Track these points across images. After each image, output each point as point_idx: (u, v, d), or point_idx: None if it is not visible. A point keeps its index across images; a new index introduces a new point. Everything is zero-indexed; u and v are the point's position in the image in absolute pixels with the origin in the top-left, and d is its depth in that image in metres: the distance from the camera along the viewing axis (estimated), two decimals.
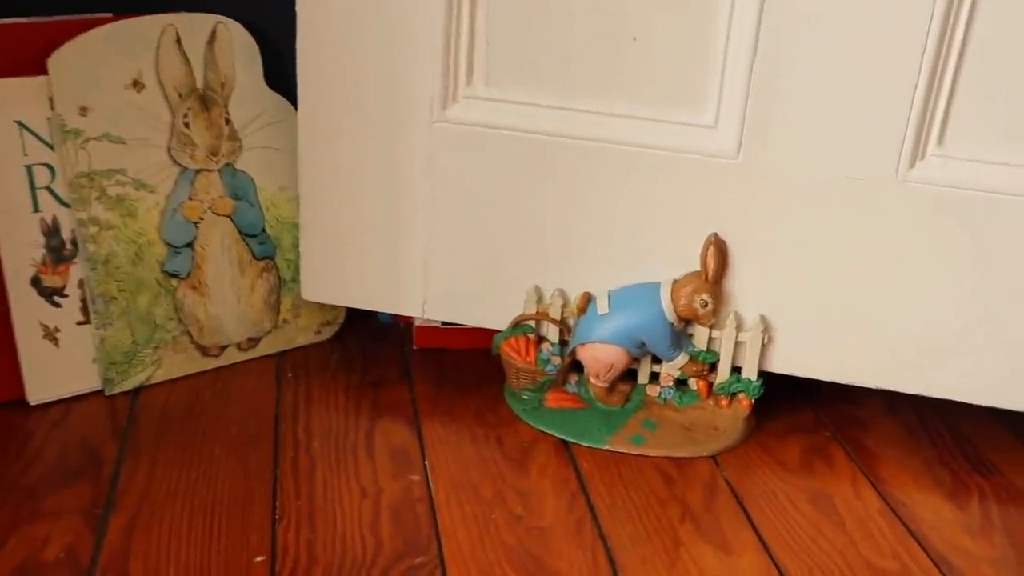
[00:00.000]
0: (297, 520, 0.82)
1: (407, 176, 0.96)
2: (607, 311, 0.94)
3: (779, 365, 0.96)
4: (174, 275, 1.00)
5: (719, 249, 0.93)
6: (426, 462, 0.91)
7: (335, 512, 0.84)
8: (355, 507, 0.84)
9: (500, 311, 0.99)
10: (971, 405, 0.94)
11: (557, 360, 0.99)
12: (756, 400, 0.97)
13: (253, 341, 1.06)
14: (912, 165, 0.89)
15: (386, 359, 1.07)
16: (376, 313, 1.14)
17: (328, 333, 1.12)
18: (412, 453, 0.92)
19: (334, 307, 1.09)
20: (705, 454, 0.95)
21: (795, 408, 1.04)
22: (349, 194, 0.97)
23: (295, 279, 1.05)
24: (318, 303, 1.06)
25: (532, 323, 0.98)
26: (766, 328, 0.95)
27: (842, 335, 0.94)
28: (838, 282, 0.93)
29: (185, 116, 0.96)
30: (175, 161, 0.97)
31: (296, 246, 1.03)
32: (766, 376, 0.96)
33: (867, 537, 0.86)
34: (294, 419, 0.96)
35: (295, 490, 0.86)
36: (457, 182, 0.96)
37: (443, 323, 1.08)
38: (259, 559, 0.79)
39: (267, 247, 1.04)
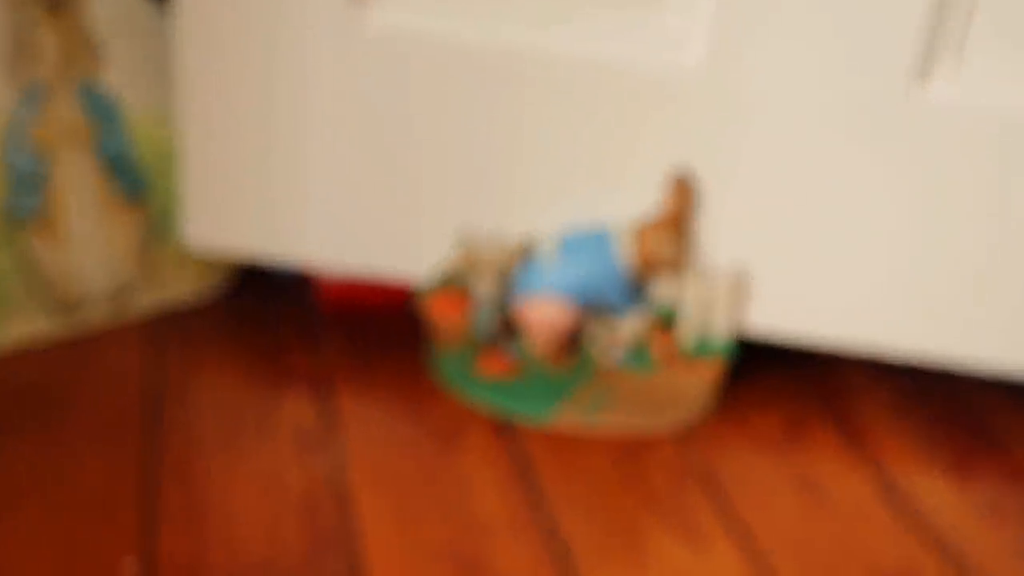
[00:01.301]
0: (180, 522, 0.79)
1: (313, 97, 0.92)
2: (552, 259, 0.92)
3: (757, 325, 0.94)
4: (18, 219, 0.94)
5: (684, 185, 0.90)
6: (340, 443, 0.88)
7: (227, 510, 0.80)
8: (252, 503, 0.81)
9: (423, 261, 0.96)
10: (977, 373, 0.94)
11: (494, 318, 0.96)
12: (727, 363, 0.96)
13: (122, 301, 1.03)
14: (924, 82, 0.86)
15: (289, 322, 1.05)
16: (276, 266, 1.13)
17: (217, 291, 1.09)
18: (321, 434, 0.89)
19: (223, 259, 1.07)
20: (669, 426, 0.93)
21: (774, 374, 1.03)
22: (240, 118, 0.93)
23: (173, 225, 1.03)
24: (203, 254, 1.04)
25: (462, 274, 0.95)
26: (741, 280, 0.93)
27: (834, 290, 0.93)
28: (830, 226, 0.91)
29: (29, 20, 0.91)
30: (17, 77, 0.91)
31: (174, 183, 1.00)
32: (741, 337, 0.95)
33: (864, 525, 0.84)
34: (176, 397, 0.93)
35: (177, 485, 0.83)
36: (371, 103, 0.92)
37: (356, 277, 1.06)
38: (131, 573, 0.75)
39: (137, 184, 1.00)
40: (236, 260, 1.08)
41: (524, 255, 0.94)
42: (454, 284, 0.96)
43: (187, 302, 1.06)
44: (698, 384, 0.95)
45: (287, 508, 0.81)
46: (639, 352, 0.96)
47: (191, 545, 0.77)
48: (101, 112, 0.96)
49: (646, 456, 0.90)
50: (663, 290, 0.94)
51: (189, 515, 0.81)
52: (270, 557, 0.77)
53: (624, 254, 0.91)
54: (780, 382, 1.02)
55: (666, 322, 0.95)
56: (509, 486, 0.84)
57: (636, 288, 0.93)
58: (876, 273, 0.91)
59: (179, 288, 1.06)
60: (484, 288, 0.95)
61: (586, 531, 0.81)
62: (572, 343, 0.96)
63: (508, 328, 0.96)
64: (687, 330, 0.94)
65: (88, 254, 0.99)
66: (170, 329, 1.02)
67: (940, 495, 0.89)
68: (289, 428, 0.90)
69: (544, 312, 0.93)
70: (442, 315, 0.96)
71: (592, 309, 0.94)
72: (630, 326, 0.95)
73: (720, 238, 0.93)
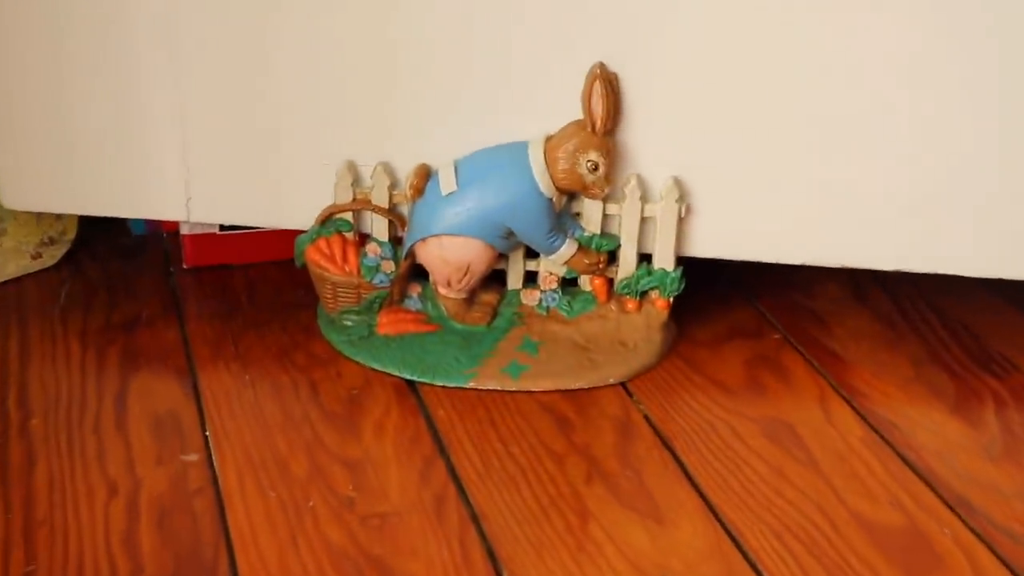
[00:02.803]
0: (7, 540, 0.77)
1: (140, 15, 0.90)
2: (454, 189, 0.90)
3: (703, 246, 0.94)
4: None
5: (608, 85, 0.87)
6: (207, 432, 0.86)
7: (68, 523, 0.78)
8: (100, 512, 0.79)
9: (300, 202, 0.95)
10: (965, 280, 0.96)
11: (389, 266, 0.95)
12: (676, 298, 0.95)
13: None
14: None
15: (143, 287, 1.05)
16: (124, 221, 1.13)
17: (53, 256, 1.08)
18: (186, 421, 0.88)
19: (59, 217, 1.06)
20: (612, 381, 0.93)
21: (729, 305, 1.05)
22: (60, 49, 0.91)
23: None
24: (30, 213, 1.04)
25: (349, 216, 0.94)
26: (682, 195, 0.92)
27: (788, 196, 0.92)
28: (781, 120, 0.90)
29: None
30: None
31: None
32: (686, 264, 0.94)
33: (851, 478, 0.83)
34: (2, 385, 0.91)
35: (3, 495, 0.81)
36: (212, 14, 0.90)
37: (221, 227, 1.06)
38: None
39: None
40: (75, 219, 1.08)
41: (422, 187, 0.91)
42: (340, 229, 0.95)
43: (17, 272, 1.06)
44: (644, 327, 0.95)
45: (144, 517, 0.79)
46: (572, 293, 0.96)
47: (20, 569, 0.75)
48: None
49: (587, 418, 0.89)
50: (593, 215, 0.93)
51: (19, 532, 0.78)
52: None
53: (542, 174, 0.89)
54: (735, 311, 1.04)
55: (600, 253, 0.94)
56: (421, 469, 0.83)
57: (560, 215, 0.91)
58: (837, 171, 0.92)
59: (5, 256, 1.06)
60: (376, 231, 0.95)
61: (518, 518, 0.80)
62: (488, 289, 0.96)
63: (409, 276, 0.95)
64: (626, 261, 0.94)
65: None
66: (5, 303, 1.02)
67: (942, 433, 0.89)
68: (147, 417, 0.89)
69: (450, 254, 0.91)
70: (329, 266, 0.95)
71: (508, 245, 0.93)
72: (558, 262, 0.94)
73: (654, 146, 0.91)
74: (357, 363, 0.93)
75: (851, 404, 0.91)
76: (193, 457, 0.83)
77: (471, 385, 0.91)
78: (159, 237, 1.12)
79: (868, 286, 1.07)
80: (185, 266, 1.07)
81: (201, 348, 0.96)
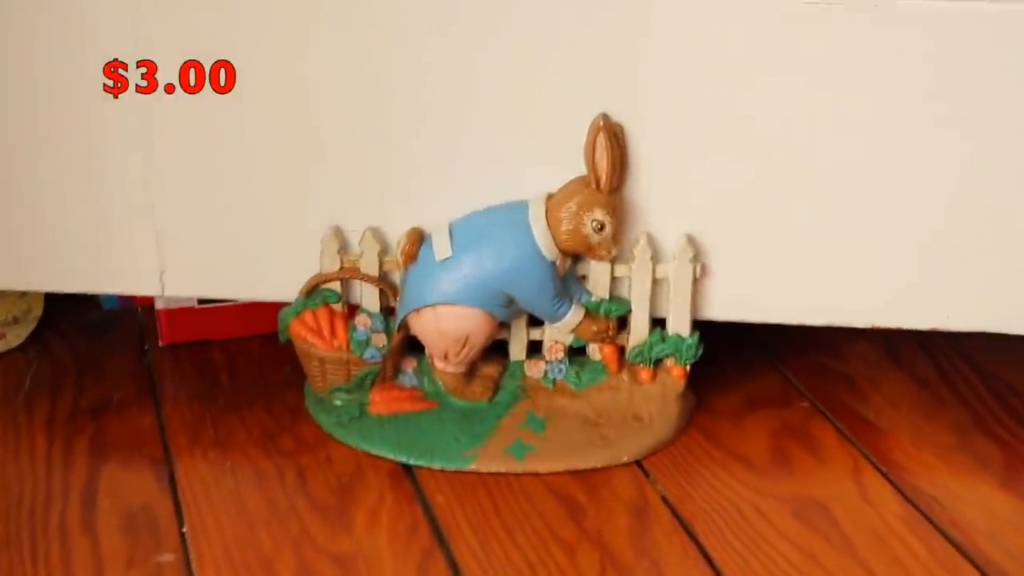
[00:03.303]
0: None
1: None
2: (449, 254, 0.90)
3: (721, 308, 0.94)
4: None
5: (613, 137, 0.87)
6: (184, 529, 0.84)
7: None
8: None
9: (283, 272, 0.95)
10: (1010, 339, 0.94)
11: (381, 339, 0.94)
12: (693, 366, 0.95)
13: None
14: None
15: (115, 367, 1.04)
16: (94, 296, 1.12)
17: (18, 336, 1.08)
18: (161, 517, 0.86)
19: (23, 294, 1.06)
20: (626, 459, 0.92)
21: (752, 371, 1.05)
22: (20, 115, 0.91)
23: None
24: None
25: (336, 286, 0.95)
26: (697, 254, 0.92)
27: (813, 252, 0.92)
28: (804, 169, 0.90)
29: None
30: None
31: None
32: (703, 328, 0.94)
33: (891, 562, 0.82)
34: None
35: None
36: None
37: (200, 300, 1.06)
38: None
39: None
40: (40, 296, 1.08)
41: (415, 253, 0.91)
42: (327, 300, 0.95)
43: None
44: (660, 398, 0.95)
45: None
46: (580, 363, 0.96)
47: None
48: None
49: (598, 500, 0.88)
50: (601, 278, 0.93)
51: None
52: None
53: (544, 236, 0.89)
54: (758, 377, 1.04)
55: (610, 319, 0.94)
56: (419, 563, 0.81)
57: (565, 279, 0.91)
58: (868, 224, 0.91)
59: None
60: (367, 301, 0.95)
61: None
62: (489, 361, 0.96)
63: (403, 349, 0.95)
64: (637, 327, 0.93)
65: None
66: None
67: (991, 510, 0.87)
68: (118, 513, 0.87)
69: (446, 324, 0.91)
70: (316, 340, 0.94)
71: (509, 314, 0.93)
72: (564, 330, 0.93)
73: (665, 202, 0.91)
74: (348, 446, 0.93)
75: (888, 478, 0.91)
76: (168, 557, 0.81)
77: (472, 467, 0.90)
78: (132, 312, 1.12)
79: (904, 346, 1.07)
80: (161, 343, 1.07)
81: (178, 434, 0.95)
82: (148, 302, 1.09)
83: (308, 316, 0.94)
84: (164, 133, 0.92)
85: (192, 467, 0.91)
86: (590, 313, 0.92)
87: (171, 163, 0.92)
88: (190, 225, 0.94)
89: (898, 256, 0.91)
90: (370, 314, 0.94)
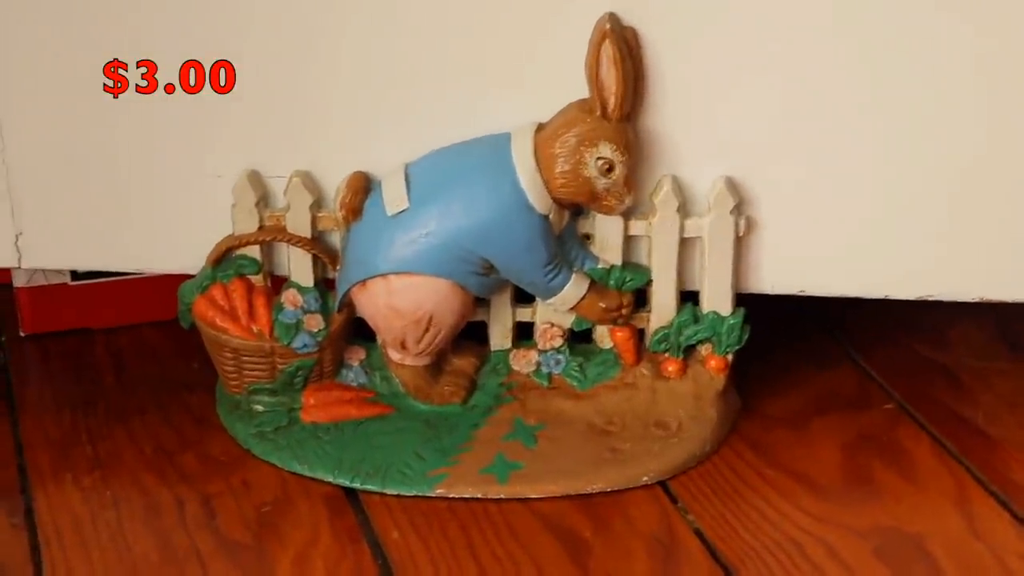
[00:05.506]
0: None
1: None
2: (405, 206, 0.84)
3: (775, 278, 0.89)
4: None
5: (623, 46, 0.81)
6: None
7: None
8: None
9: (182, 235, 0.89)
10: None
11: (316, 322, 0.88)
12: (736, 355, 0.90)
13: None
14: None
15: None
16: None
17: None
18: (10, 566, 0.80)
19: None
20: (646, 479, 0.87)
21: (818, 362, 0.99)
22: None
23: None
24: None
25: (255, 252, 0.89)
26: (740, 203, 0.86)
27: (898, 201, 0.86)
28: (886, 88, 0.83)
29: None
30: None
31: None
32: (750, 304, 0.90)
33: None
34: None
35: None
36: None
37: (73, 275, 1.00)
38: None
39: None
40: None
41: (359, 206, 0.85)
42: (242, 271, 0.89)
43: None
44: (692, 398, 0.90)
45: None
46: (584, 352, 0.91)
47: None
48: None
49: (608, 536, 0.82)
50: (610, 237, 0.87)
51: None
52: None
53: (532, 179, 0.83)
54: (825, 368, 0.99)
55: (623, 293, 0.88)
56: None
57: (561, 238, 0.86)
58: (965, 165, 0.86)
59: None
60: (297, 272, 0.90)
61: None
62: (462, 351, 0.91)
63: (346, 335, 0.90)
64: (660, 303, 0.89)
65: None
66: None
67: None
68: None
69: (402, 301, 0.85)
70: (228, 325, 0.89)
71: (485, 284, 0.87)
72: (562, 306, 0.88)
73: (696, 134, 0.85)
74: (272, 465, 0.87)
75: (1006, 505, 0.84)
76: None
77: (439, 493, 0.85)
78: None
79: (1020, 326, 1.03)
80: (22, 333, 1.02)
81: (40, 453, 0.89)
82: (5, 279, 1.02)
83: (217, 292, 0.88)
84: (18, 48, 0.85)
85: (58, 497, 0.85)
86: (596, 285, 0.86)
87: (21, 82, 0.86)
88: (54, 173, 0.88)
89: (1017, 209, 0.86)
90: (301, 289, 0.88)
